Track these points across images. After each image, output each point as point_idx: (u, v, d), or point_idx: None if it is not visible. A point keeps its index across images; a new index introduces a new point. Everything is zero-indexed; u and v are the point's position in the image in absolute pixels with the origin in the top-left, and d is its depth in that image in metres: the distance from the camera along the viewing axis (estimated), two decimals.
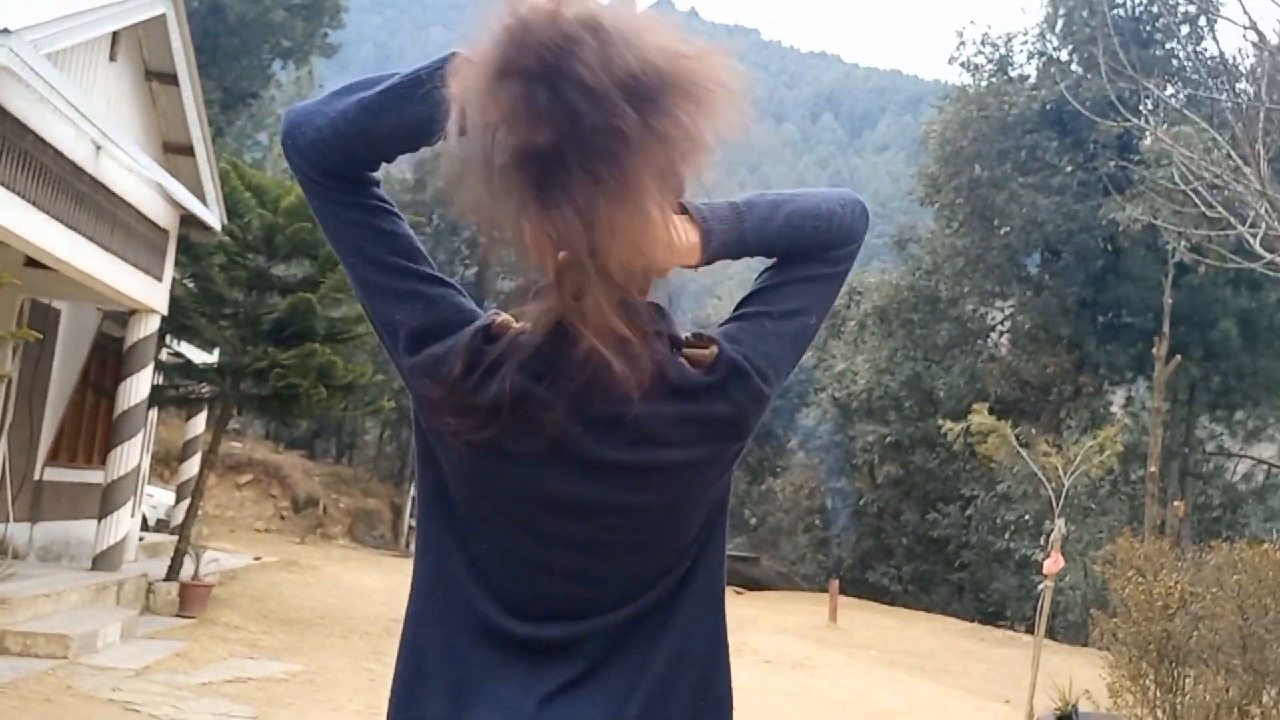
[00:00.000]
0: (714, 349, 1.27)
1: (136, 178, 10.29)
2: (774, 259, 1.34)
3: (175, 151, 11.90)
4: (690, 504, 1.27)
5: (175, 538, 12.31)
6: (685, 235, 1.24)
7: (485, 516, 1.26)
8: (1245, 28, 7.64)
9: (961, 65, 30.84)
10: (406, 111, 1.21)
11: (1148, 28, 28.33)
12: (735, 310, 1.35)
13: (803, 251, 1.32)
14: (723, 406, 1.25)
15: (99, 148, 9.36)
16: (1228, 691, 8.61)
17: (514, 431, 1.19)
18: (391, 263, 1.27)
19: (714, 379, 1.24)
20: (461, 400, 1.20)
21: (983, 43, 30.74)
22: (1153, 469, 23.59)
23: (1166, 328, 23.97)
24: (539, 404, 1.18)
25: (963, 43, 31.01)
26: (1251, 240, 8.07)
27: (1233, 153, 8.18)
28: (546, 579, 1.27)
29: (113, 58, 10.45)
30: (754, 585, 27.34)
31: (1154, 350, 24.02)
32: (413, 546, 1.36)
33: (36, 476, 12.13)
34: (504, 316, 1.27)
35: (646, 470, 1.22)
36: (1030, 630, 20.93)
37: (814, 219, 1.30)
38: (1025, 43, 30.72)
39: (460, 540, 1.28)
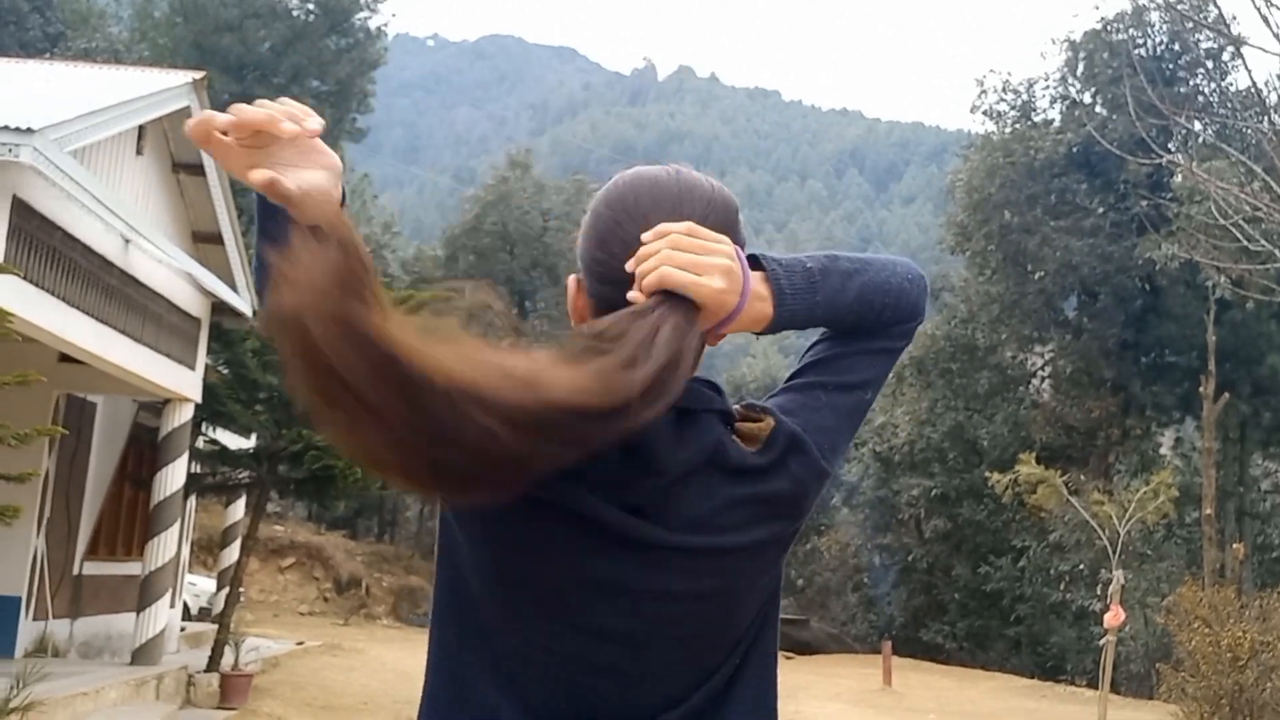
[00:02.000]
0: (769, 421, 1.18)
1: (166, 269, 10.38)
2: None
3: (204, 240, 12.03)
4: (743, 592, 1.17)
5: (216, 627, 12.20)
6: (757, 303, 1.16)
7: (514, 610, 1.14)
8: (1278, 55, 7.48)
9: (984, 113, 30.88)
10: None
11: (1170, 66, 28.24)
12: (789, 380, 1.27)
13: (870, 326, 1.24)
14: (781, 484, 1.16)
15: (128, 241, 9.44)
16: None
17: (546, 513, 1.09)
18: None
19: (771, 456, 1.16)
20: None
21: (1004, 90, 30.79)
22: (1208, 511, 22.98)
23: (1212, 365, 23.51)
24: (577, 483, 1.07)
25: (984, 91, 31.03)
26: None
27: (1272, 183, 8.00)
28: (582, 680, 1.14)
29: (139, 151, 10.60)
30: (804, 649, 26.77)
31: (1201, 389, 23.55)
32: None
33: (75, 571, 12.11)
34: None
35: (698, 555, 1.12)
36: (1092, 684, 20.29)
37: (884, 294, 1.23)
38: (1047, 87, 30.74)
39: (483, 640, 1.16)
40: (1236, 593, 10.19)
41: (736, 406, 1.20)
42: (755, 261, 1.17)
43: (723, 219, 1.18)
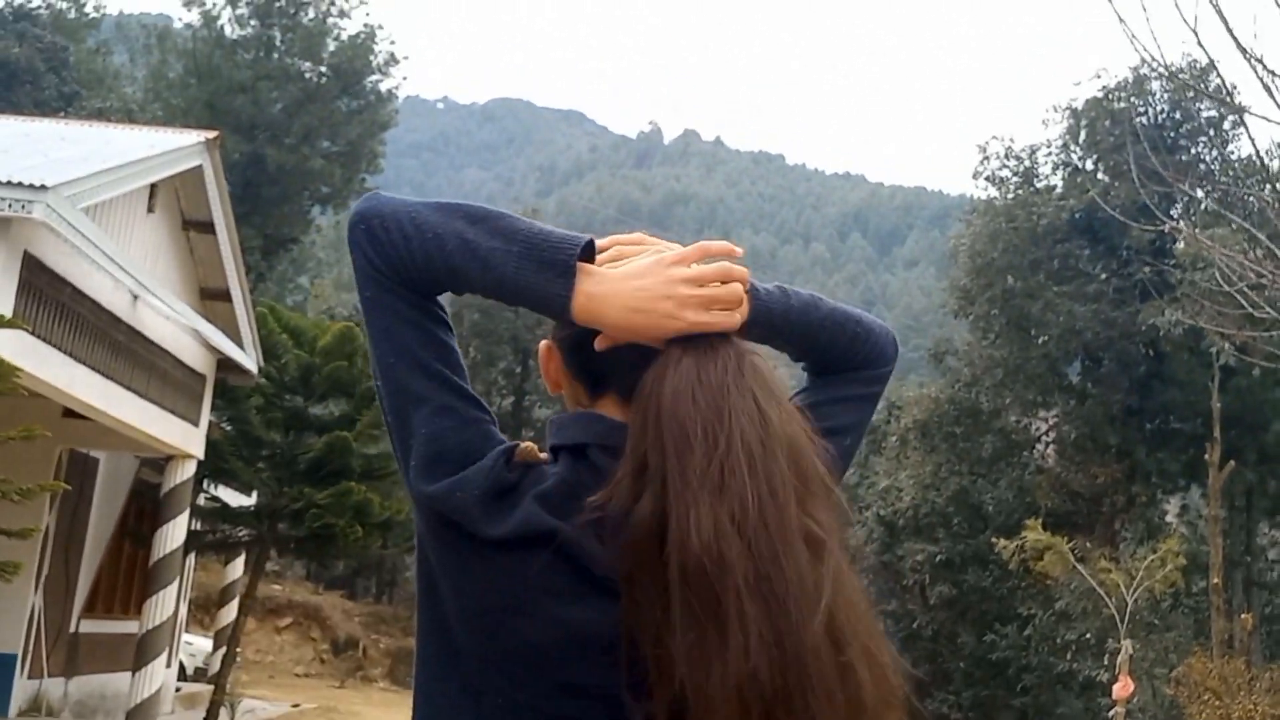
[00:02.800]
0: None
1: (174, 325, 10.42)
2: (810, 370, 1.29)
3: (213, 297, 12.09)
4: None
5: (212, 688, 12.05)
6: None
7: (498, 666, 1.11)
8: None
9: (987, 179, 31.12)
10: (513, 280, 1.14)
11: (1171, 134, 28.52)
12: None
13: (840, 355, 1.26)
14: None
15: (136, 297, 9.49)
16: None
17: (532, 565, 1.08)
18: (438, 371, 1.16)
19: None
20: (471, 528, 1.10)
21: (1007, 156, 31.06)
22: (1216, 580, 22.72)
23: (1217, 433, 23.39)
24: (560, 537, 1.07)
25: (986, 157, 31.31)
26: None
27: (1275, 250, 8.04)
28: None
29: (150, 209, 10.70)
30: None
31: (1206, 456, 23.42)
32: None
33: (72, 629, 11.99)
34: (527, 445, 1.16)
35: None
36: None
37: (855, 324, 1.27)
38: (1049, 154, 31.00)
39: (470, 697, 1.13)
40: (1246, 664, 10.03)
41: None
42: None
43: None
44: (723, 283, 1.15)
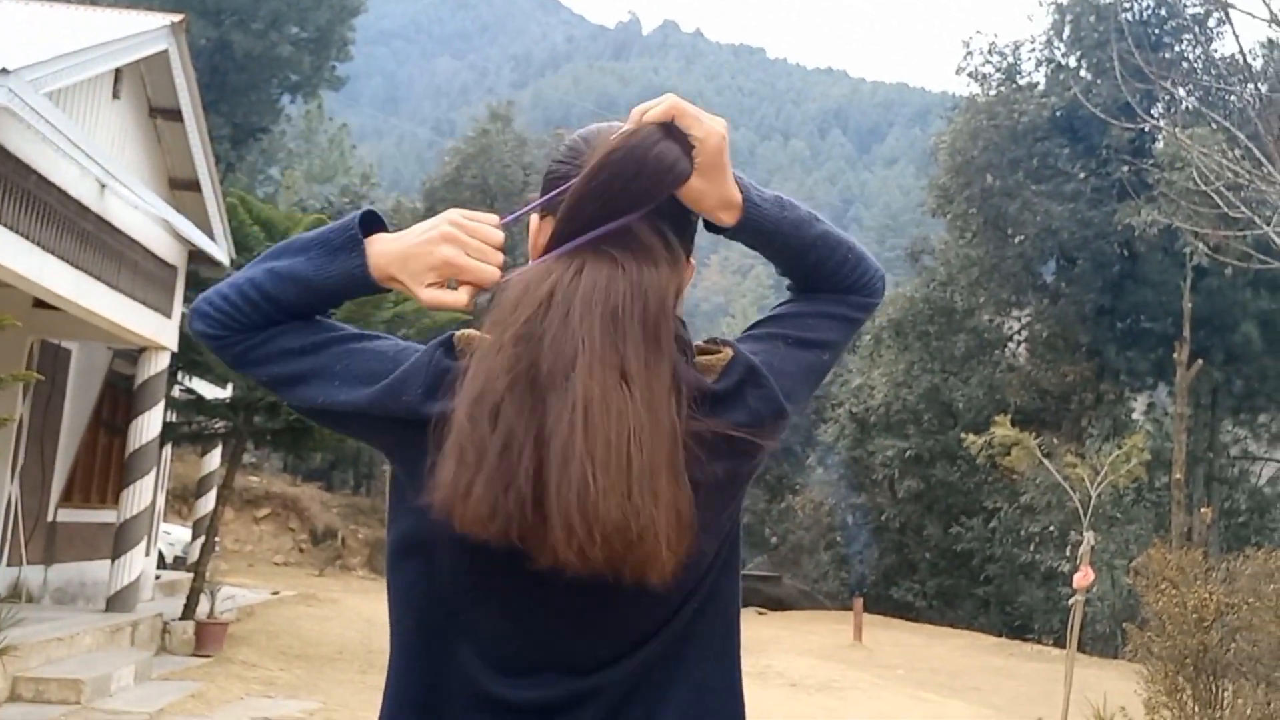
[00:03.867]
0: (726, 352, 1.19)
1: (143, 215, 10.24)
2: (795, 286, 1.29)
3: (182, 188, 11.87)
4: (701, 531, 1.13)
5: (191, 575, 12.21)
6: (730, 185, 1.20)
7: (469, 556, 1.12)
8: (1269, 21, 7.47)
9: (969, 75, 30.76)
10: (317, 277, 1.21)
11: (1156, 31, 28.19)
12: (747, 330, 1.27)
13: (828, 276, 1.26)
14: (738, 415, 1.14)
15: (104, 186, 9.30)
16: (1269, 705, 8.37)
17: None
18: (313, 342, 1.21)
19: (728, 383, 1.15)
20: (415, 415, 1.11)
21: (990, 52, 30.66)
22: (1178, 476, 23.28)
23: (1187, 332, 23.70)
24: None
25: (969, 53, 30.90)
26: (1277, 239, 7.89)
27: (1255, 149, 8.02)
28: (542, 626, 1.14)
29: (116, 95, 10.42)
30: (776, 605, 27.06)
31: (1175, 355, 23.75)
32: None
33: (50, 518, 12.06)
34: (469, 331, 1.18)
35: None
36: (1059, 644, 20.62)
37: (847, 249, 1.27)
38: (1033, 50, 30.63)
39: (438, 587, 1.15)
40: (1204, 555, 10.32)
41: (698, 343, 1.21)
42: None
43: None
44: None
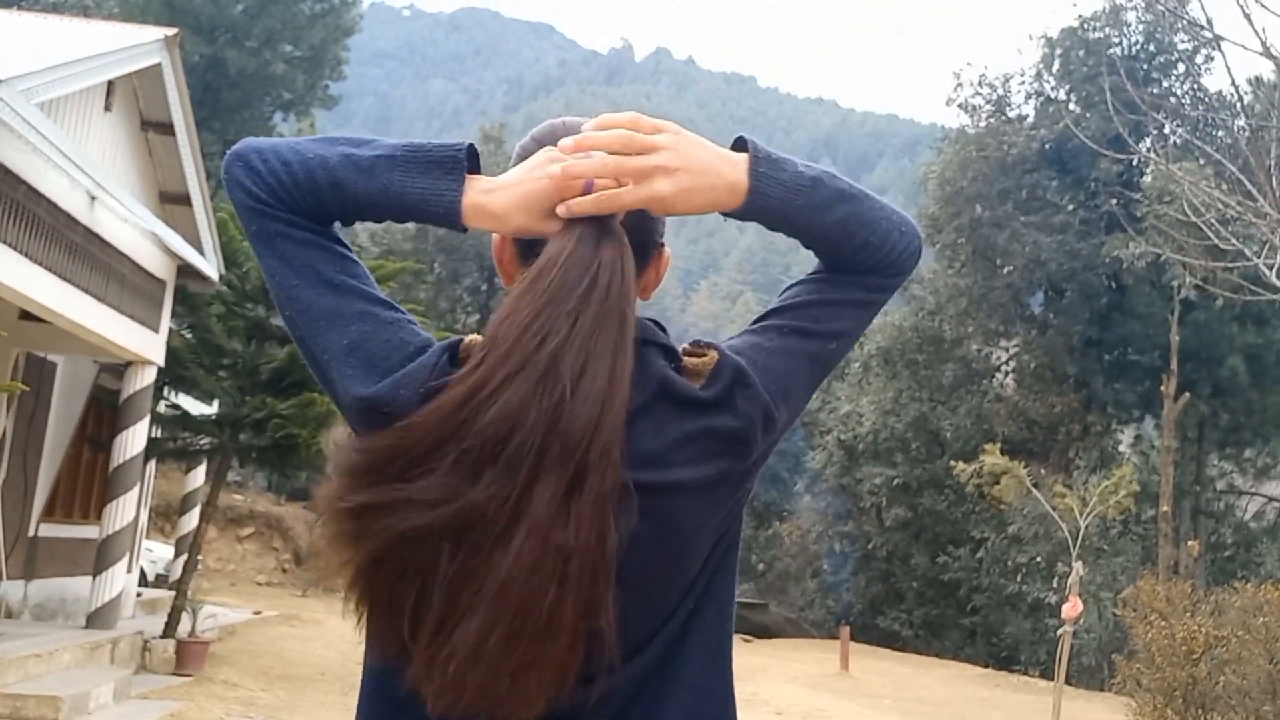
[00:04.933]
0: (713, 355, 1.15)
1: (132, 228, 10.18)
2: (819, 268, 1.23)
3: (172, 202, 11.82)
4: (694, 531, 1.12)
5: (173, 593, 12.07)
6: (729, 170, 1.14)
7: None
8: (1260, 53, 7.52)
9: (959, 107, 31.02)
10: (400, 184, 1.12)
11: (1145, 66, 28.46)
12: (755, 319, 1.24)
13: (848, 259, 1.19)
14: (728, 419, 1.12)
15: (94, 198, 9.25)
16: None
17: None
18: (343, 283, 1.14)
19: (716, 389, 1.12)
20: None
21: (980, 84, 30.96)
22: (1165, 508, 23.32)
23: (1174, 365, 23.81)
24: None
25: (960, 84, 31.18)
26: (1267, 271, 7.91)
27: (1245, 179, 8.06)
28: None
29: (108, 108, 10.39)
30: (762, 632, 26.94)
31: (1162, 388, 23.85)
32: None
33: (31, 533, 11.92)
34: (474, 338, 1.13)
35: (651, 492, 1.07)
36: (1045, 675, 20.57)
37: (869, 231, 1.18)
38: (1023, 83, 30.91)
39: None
40: (1191, 588, 10.31)
41: (684, 345, 1.18)
42: (741, 144, 1.17)
43: None
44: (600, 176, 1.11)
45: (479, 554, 0.99)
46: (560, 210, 1.10)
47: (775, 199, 1.15)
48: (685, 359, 1.16)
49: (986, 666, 23.99)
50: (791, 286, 1.25)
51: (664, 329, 1.17)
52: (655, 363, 1.12)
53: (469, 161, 1.13)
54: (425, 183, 1.11)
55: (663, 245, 1.25)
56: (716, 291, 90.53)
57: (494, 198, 1.12)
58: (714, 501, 1.13)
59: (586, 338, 1.04)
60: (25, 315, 9.60)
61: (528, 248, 1.17)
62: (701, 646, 1.15)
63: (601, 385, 1.02)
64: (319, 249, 1.14)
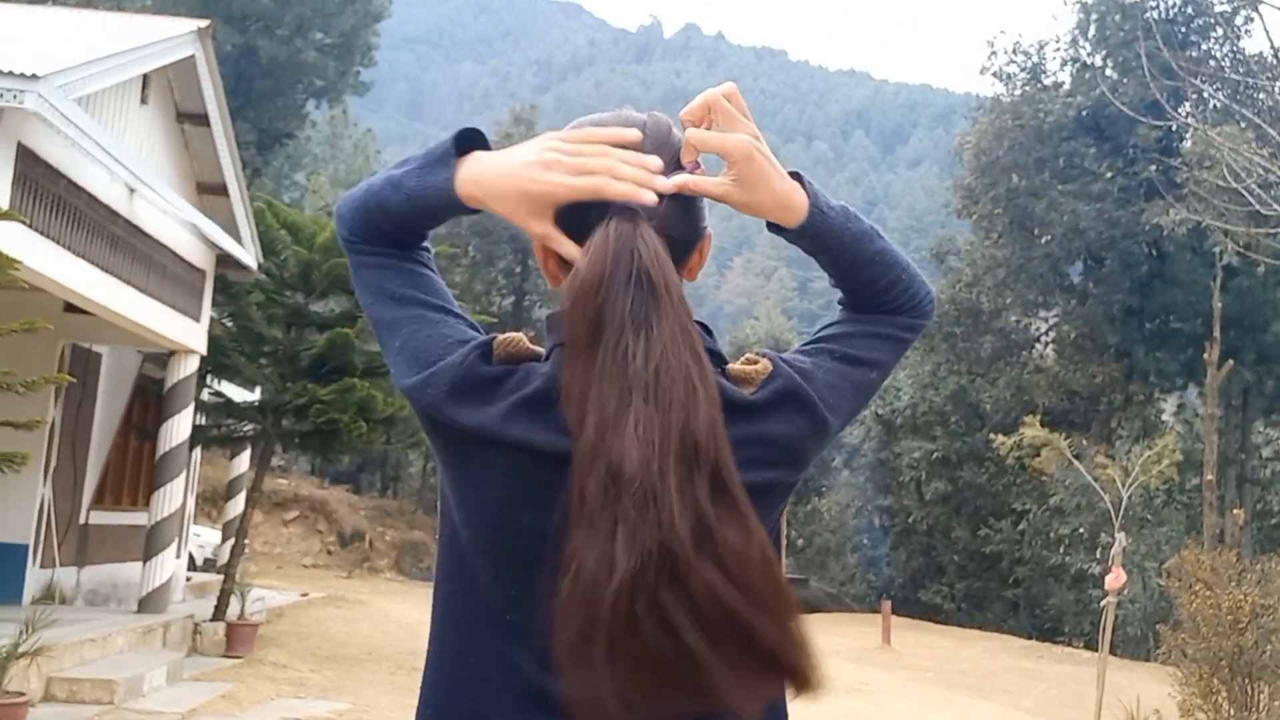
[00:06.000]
0: (765, 364, 1.18)
1: (171, 219, 10.33)
2: (845, 300, 1.28)
3: (209, 192, 11.95)
4: None
5: (222, 577, 12.28)
6: (792, 191, 1.18)
7: (506, 560, 1.12)
8: None
9: (994, 75, 30.60)
10: (415, 188, 1.19)
11: (1183, 29, 27.93)
12: (798, 348, 1.27)
13: (879, 294, 1.25)
14: (778, 426, 1.14)
15: (133, 191, 9.39)
16: None
17: (501, 466, 1.09)
18: (406, 295, 1.22)
19: (766, 395, 1.14)
20: (446, 421, 1.12)
21: (1014, 52, 30.50)
22: (1209, 477, 23.03)
23: (1217, 332, 23.46)
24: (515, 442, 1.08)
25: (994, 53, 30.73)
26: None
27: None
28: None
29: (144, 101, 10.51)
30: (803, 607, 26.63)
31: (1205, 356, 23.51)
32: None
33: (82, 520, 12.17)
34: (510, 336, 1.17)
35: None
36: (1089, 646, 20.44)
37: (900, 269, 1.25)
38: (1058, 50, 30.44)
39: (482, 592, 1.14)
40: (1237, 557, 10.21)
41: (744, 356, 1.21)
42: (794, 175, 1.20)
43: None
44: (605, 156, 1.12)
45: None
46: (668, 183, 1.11)
47: (833, 220, 1.20)
48: (738, 367, 1.18)
49: (1030, 638, 23.88)
50: (829, 324, 1.28)
51: (710, 333, 1.18)
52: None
53: (459, 145, 1.17)
54: (432, 180, 1.17)
55: (706, 228, 1.28)
56: (751, 268, 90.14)
57: (483, 171, 1.14)
58: (760, 510, 1.11)
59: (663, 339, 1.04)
60: (70, 308, 9.78)
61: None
62: None
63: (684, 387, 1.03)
64: (388, 269, 1.23)
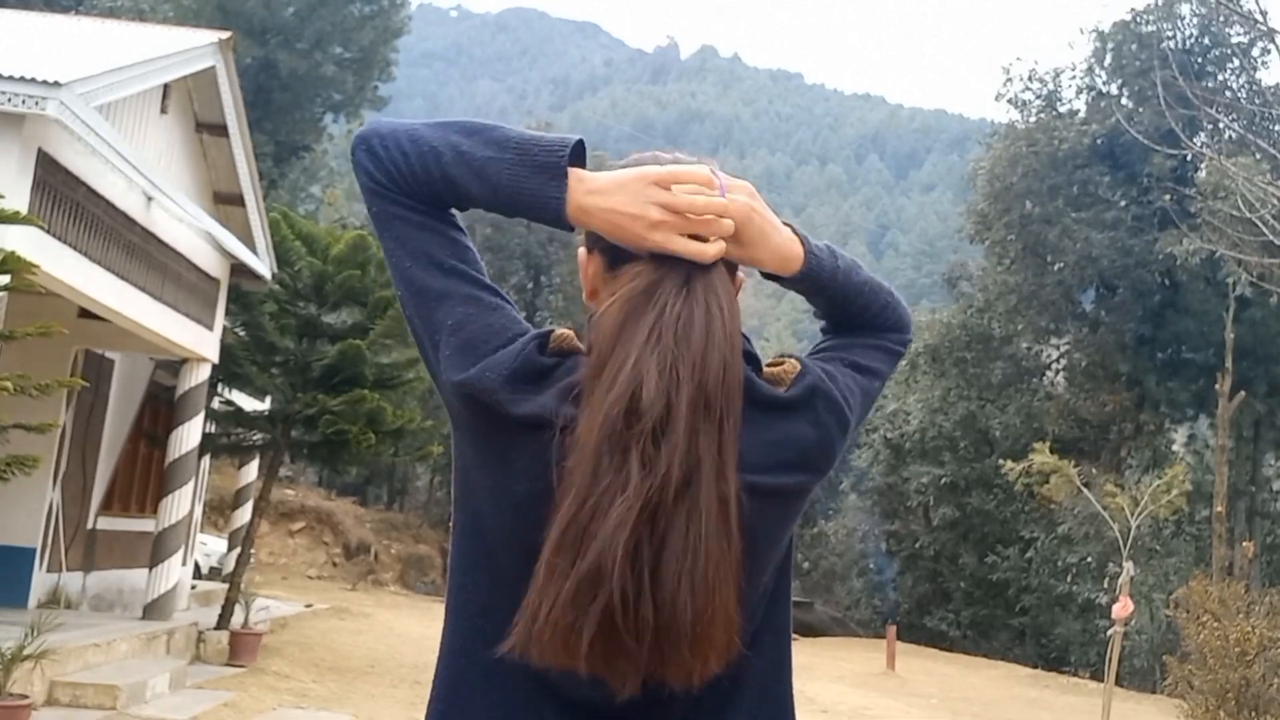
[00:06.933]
0: (793, 364, 1.21)
1: (187, 228, 10.39)
2: (834, 325, 1.33)
3: (226, 202, 12.04)
4: (764, 543, 1.14)
5: (227, 586, 12.29)
6: (789, 243, 1.22)
7: (533, 554, 1.10)
8: None
9: (1009, 102, 30.67)
10: (509, 185, 1.16)
11: (1199, 60, 27.97)
12: (807, 355, 1.29)
13: (871, 319, 1.30)
14: (808, 427, 1.16)
15: (150, 199, 9.46)
16: None
17: (550, 450, 1.08)
18: (454, 266, 1.19)
19: (797, 392, 1.17)
20: (500, 409, 1.11)
21: (1030, 79, 30.56)
22: (1219, 509, 22.91)
23: (1229, 363, 23.38)
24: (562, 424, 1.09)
25: (1009, 79, 30.80)
26: None
27: None
28: None
29: (164, 110, 10.60)
30: (808, 631, 26.84)
31: (1216, 386, 23.42)
32: None
33: (90, 526, 12.20)
34: (564, 331, 1.18)
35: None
36: (1095, 677, 20.31)
37: (884, 294, 1.32)
38: (1074, 78, 30.51)
39: (503, 586, 1.14)
40: (1245, 589, 10.15)
41: (768, 359, 1.23)
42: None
43: None
44: (702, 213, 1.14)
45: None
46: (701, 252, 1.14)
47: (825, 262, 1.25)
48: (769, 368, 1.20)
49: (1035, 667, 23.73)
50: (827, 339, 1.32)
51: (746, 337, 1.20)
52: (739, 365, 1.14)
53: (573, 159, 1.16)
54: (533, 186, 1.14)
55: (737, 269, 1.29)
56: (763, 290, 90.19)
57: (592, 201, 1.15)
58: (785, 516, 1.17)
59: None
60: (84, 313, 9.83)
61: (614, 260, 1.19)
62: (762, 669, 1.18)
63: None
64: (434, 233, 1.19)
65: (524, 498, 1.11)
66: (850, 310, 1.29)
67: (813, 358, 1.26)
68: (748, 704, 1.17)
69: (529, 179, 1.14)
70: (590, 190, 1.15)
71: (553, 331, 1.17)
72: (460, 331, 1.16)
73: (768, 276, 1.26)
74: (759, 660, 1.17)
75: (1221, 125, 22.26)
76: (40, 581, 11.07)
